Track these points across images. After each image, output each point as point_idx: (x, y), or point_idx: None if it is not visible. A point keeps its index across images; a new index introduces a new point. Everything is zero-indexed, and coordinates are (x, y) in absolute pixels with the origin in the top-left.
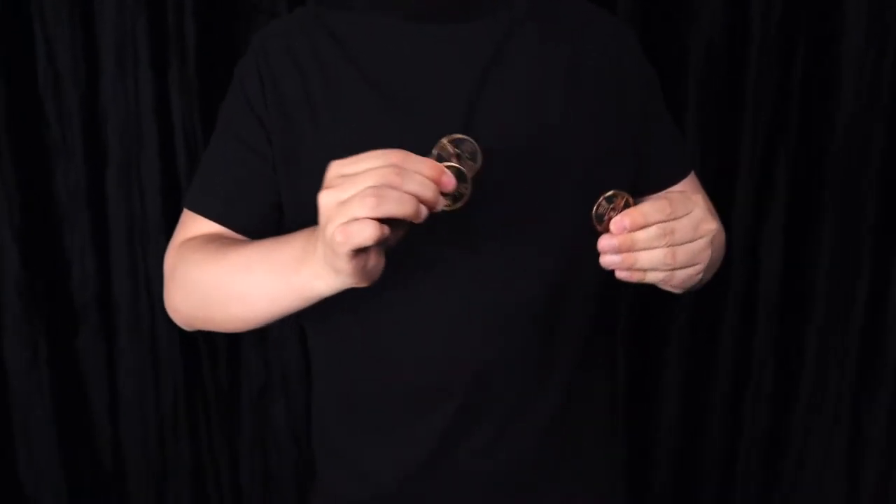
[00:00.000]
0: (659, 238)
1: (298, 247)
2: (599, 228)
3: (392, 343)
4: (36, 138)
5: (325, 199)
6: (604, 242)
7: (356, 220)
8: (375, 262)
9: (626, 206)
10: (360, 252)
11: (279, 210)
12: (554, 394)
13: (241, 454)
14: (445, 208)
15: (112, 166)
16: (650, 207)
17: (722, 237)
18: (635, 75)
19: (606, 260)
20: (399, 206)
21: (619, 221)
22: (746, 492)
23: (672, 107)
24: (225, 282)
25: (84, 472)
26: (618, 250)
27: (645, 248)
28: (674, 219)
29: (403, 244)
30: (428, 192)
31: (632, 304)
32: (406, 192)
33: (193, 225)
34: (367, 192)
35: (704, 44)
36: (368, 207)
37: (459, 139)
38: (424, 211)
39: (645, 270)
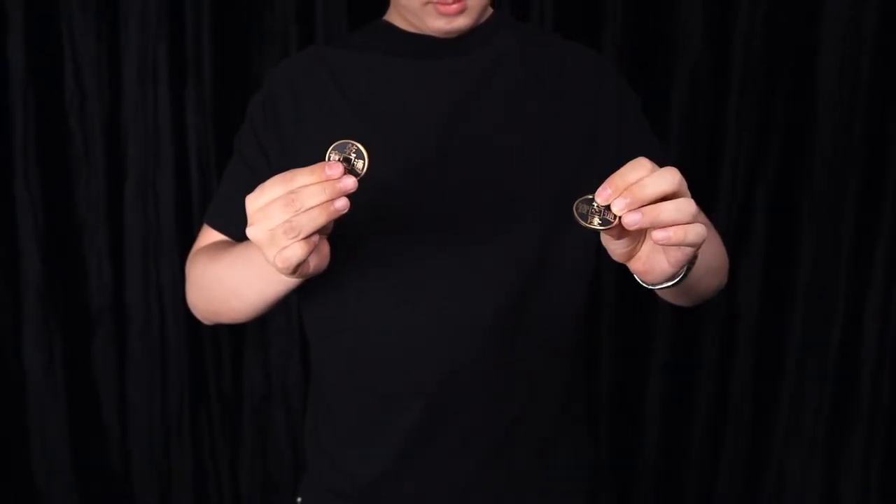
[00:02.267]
0: (686, 208)
1: None
2: (585, 225)
3: (364, 348)
4: (60, 152)
5: (254, 234)
6: (628, 218)
7: (286, 247)
8: (317, 258)
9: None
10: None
11: None
12: (521, 399)
13: (242, 459)
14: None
15: (130, 180)
16: (651, 179)
17: (720, 241)
18: (613, 100)
19: (629, 218)
20: (314, 222)
21: (619, 202)
22: None
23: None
24: (220, 281)
25: (93, 471)
26: (640, 225)
27: (673, 221)
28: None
29: (377, 259)
30: (325, 195)
31: (615, 333)
32: (312, 208)
33: (208, 235)
34: (284, 227)
35: (688, 76)
36: (292, 237)
37: (340, 144)
38: (340, 203)
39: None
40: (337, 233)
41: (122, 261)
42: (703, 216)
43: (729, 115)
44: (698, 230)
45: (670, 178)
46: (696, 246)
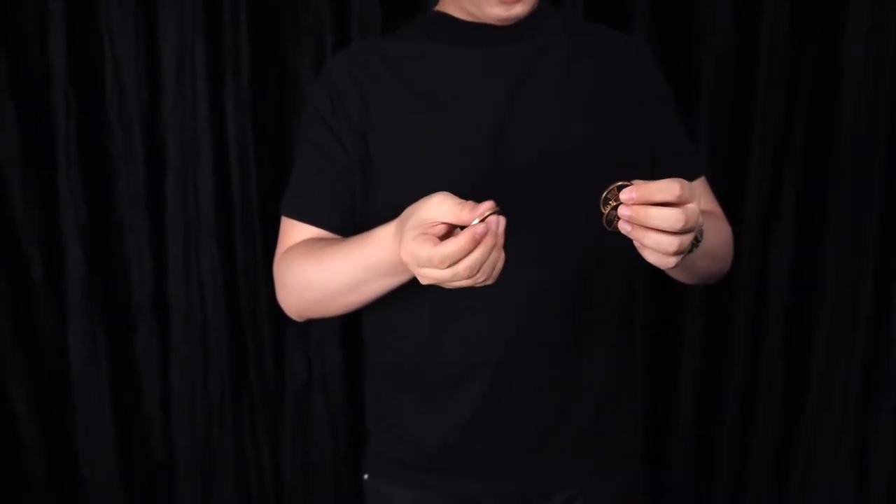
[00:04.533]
0: (674, 220)
1: (392, 248)
2: (604, 210)
3: (430, 321)
4: (101, 146)
5: (438, 276)
6: (622, 211)
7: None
8: None
9: None
10: None
11: (353, 207)
12: (582, 366)
13: (283, 446)
14: None
15: (170, 174)
16: (658, 185)
17: (728, 233)
18: (651, 88)
19: (621, 226)
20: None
21: (627, 191)
22: (758, 491)
23: (684, 121)
24: (332, 278)
25: (137, 460)
26: (630, 220)
27: (656, 227)
28: (681, 202)
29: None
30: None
31: (647, 313)
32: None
33: (293, 232)
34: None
35: (716, 61)
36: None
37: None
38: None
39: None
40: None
41: (164, 254)
42: (710, 219)
43: (757, 99)
44: (666, 262)
45: (673, 221)
46: (668, 266)
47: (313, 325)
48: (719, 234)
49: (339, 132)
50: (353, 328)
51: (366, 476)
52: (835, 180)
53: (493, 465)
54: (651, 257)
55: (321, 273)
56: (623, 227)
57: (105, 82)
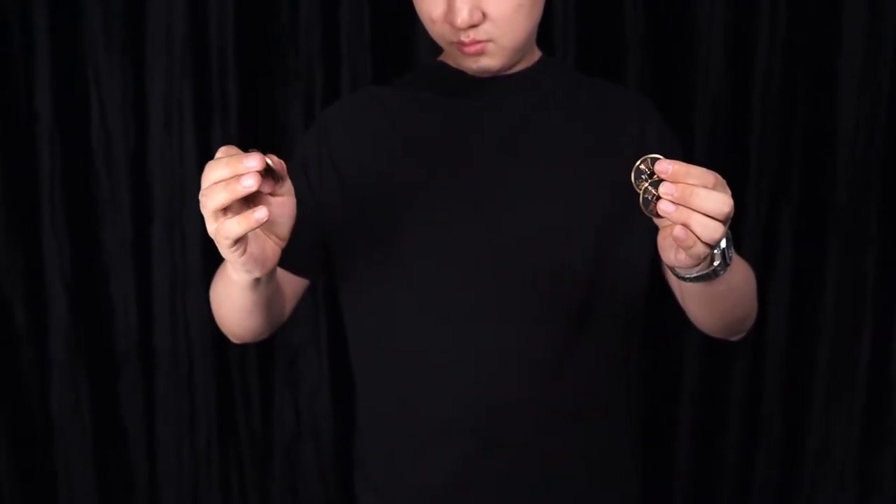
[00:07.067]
0: (721, 202)
1: None
2: (637, 187)
3: (416, 382)
4: (87, 193)
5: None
6: (666, 187)
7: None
8: (257, 249)
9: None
10: (237, 243)
11: (323, 247)
12: (570, 429)
13: (272, 499)
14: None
15: (157, 221)
16: (696, 169)
17: (753, 277)
18: (655, 143)
19: (662, 206)
20: (217, 198)
21: (663, 163)
22: None
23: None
24: (219, 296)
25: None
26: (673, 197)
27: (700, 209)
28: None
29: (427, 294)
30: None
31: (640, 363)
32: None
33: None
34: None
35: (711, 104)
36: (208, 213)
37: None
38: (247, 183)
39: (696, 236)
40: (386, 267)
41: (150, 302)
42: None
43: (752, 141)
44: (700, 250)
45: (721, 204)
46: (698, 259)
47: (303, 375)
48: (745, 273)
49: (315, 178)
50: (344, 378)
51: None
52: (832, 219)
53: None
54: (693, 248)
55: (215, 285)
56: (664, 206)
57: (91, 128)
